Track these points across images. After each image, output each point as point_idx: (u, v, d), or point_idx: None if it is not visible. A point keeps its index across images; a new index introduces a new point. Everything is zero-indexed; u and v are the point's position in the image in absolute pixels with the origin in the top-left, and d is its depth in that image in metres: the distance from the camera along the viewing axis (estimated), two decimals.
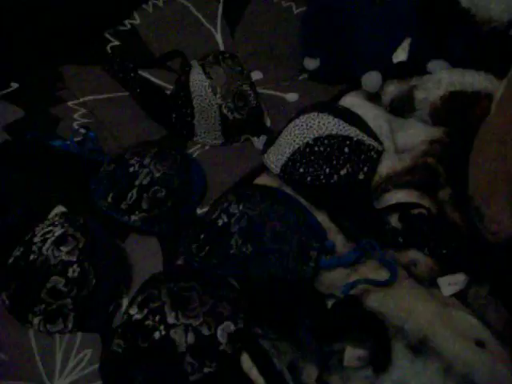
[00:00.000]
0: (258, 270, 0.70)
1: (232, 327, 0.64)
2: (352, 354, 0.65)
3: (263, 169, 0.86)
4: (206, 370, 0.62)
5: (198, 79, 0.88)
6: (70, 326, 0.70)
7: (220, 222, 0.72)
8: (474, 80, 0.84)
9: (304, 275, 0.71)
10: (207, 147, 0.92)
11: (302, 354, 0.66)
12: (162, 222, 0.80)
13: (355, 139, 0.81)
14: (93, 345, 0.70)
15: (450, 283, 0.71)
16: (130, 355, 0.63)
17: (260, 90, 0.97)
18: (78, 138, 0.91)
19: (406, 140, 0.86)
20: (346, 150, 0.80)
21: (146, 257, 0.79)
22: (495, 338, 0.67)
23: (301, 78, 1.02)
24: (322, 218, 0.78)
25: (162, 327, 0.62)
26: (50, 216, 0.79)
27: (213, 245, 0.72)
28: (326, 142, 0.80)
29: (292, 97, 0.99)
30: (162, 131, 0.94)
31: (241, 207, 0.72)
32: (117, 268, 0.76)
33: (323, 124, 0.81)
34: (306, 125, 0.82)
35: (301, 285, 0.70)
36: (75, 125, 0.95)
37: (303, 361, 0.66)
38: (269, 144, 0.87)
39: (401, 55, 0.90)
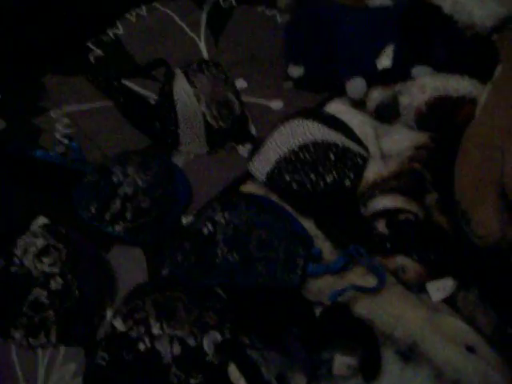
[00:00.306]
0: (245, 278, 0.68)
1: (219, 337, 0.62)
2: (341, 362, 0.64)
3: (249, 177, 0.85)
4: (192, 381, 0.60)
5: (181, 88, 0.87)
6: (52, 339, 0.68)
7: (205, 231, 0.71)
8: (458, 85, 0.84)
9: (291, 283, 0.70)
10: (192, 156, 0.90)
11: (290, 364, 0.64)
12: (146, 232, 0.78)
13: (341, 146, 0.80)
14: (76, 358, 0.68)
15: (439, 288, 0.70)
16: (114, 368, 0.61)
17: (244, 98, 0.96)
18: (61, 149, 0.89)
19: (391, 146, 0.85)
20: (332, 156, 0.79)
21: (130, 268, 0.77)
22: (486, 342, 0.66)
23: (285, 85, 1.01)
24: (308, 225, 0.77)
25: (146, 339, 0.61)
26: (32, 227, 0.78)
27: (198, 254, 0.71)
28: (311, 149, 0.79)
29: (277, 105, 0.98)
30: (146, 141, 0.93)
31: (226, 216, 0.71)
32: (101, 279, 0.74)
33: (308, 131, 0.80)
34: (291, 132, 0.81)
35: (288, 293, 0.69)
36: (58, 135, 0.93)
37: (292, 370, 0.64)
38: (254, 152, 0.86)
39: (385, 61, 0.89)
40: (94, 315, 0.71)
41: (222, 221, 0.71)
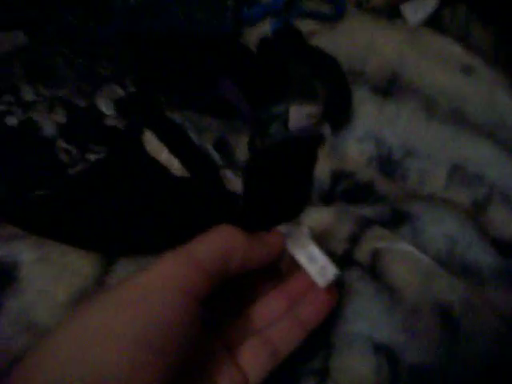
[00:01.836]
0: (154, 23, 0.46)
1: (119, 91, 0.41)
2: (299, 112, 0.44)
3: None
4: (91, 156, 0.39)
5: None
6: None
7: None
8: None
9: (221, 29, 0.48)
10: None
11: (230, 125, 0.44)
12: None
13: None
14: None
15: (418, 9, 0.49)
16: None
17: None
18: None
19: None
20: None
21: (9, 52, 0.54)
22: (484, 61, 0.46)
23: None
24: None
25: (17, 110, 0.39)
26: None
27: (89, 7, 0.48)
28: None
29: None
30: None
31: None
32: None
33: None
34: None
35: (219, 41, 0.47)
36: None
37: (235, 135, 0.44)
38: None
39: None
40: None
41: None
